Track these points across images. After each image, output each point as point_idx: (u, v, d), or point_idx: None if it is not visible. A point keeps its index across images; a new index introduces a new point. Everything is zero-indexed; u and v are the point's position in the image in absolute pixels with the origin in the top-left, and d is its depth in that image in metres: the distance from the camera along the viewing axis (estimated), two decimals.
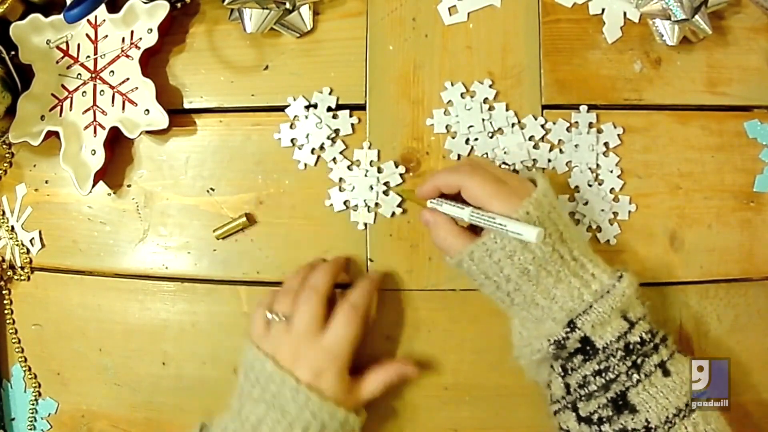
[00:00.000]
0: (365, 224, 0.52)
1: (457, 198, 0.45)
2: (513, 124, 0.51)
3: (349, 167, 0.52)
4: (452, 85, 0.52)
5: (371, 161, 0.52)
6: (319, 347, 0.45)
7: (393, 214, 0.52)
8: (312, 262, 0.51)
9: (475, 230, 0.45)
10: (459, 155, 0.52)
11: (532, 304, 0.43)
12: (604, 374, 0.40)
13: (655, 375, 0.40)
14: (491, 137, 0.52)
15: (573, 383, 0.42)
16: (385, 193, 0.52)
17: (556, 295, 0.42)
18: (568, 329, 0.41)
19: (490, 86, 0.52)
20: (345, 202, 0.52)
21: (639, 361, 0.40)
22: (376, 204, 0.52)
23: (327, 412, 0.44)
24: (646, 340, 0.41)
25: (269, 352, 0.46)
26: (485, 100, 0.52)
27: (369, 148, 0.52)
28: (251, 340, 0.47)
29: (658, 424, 0.39)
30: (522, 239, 0.40)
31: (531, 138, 0.51)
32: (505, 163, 0.51)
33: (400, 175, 0.52)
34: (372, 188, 0.52)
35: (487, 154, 0.52)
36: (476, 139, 0.52)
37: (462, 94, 0.52)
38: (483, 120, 0.52)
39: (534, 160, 0.51)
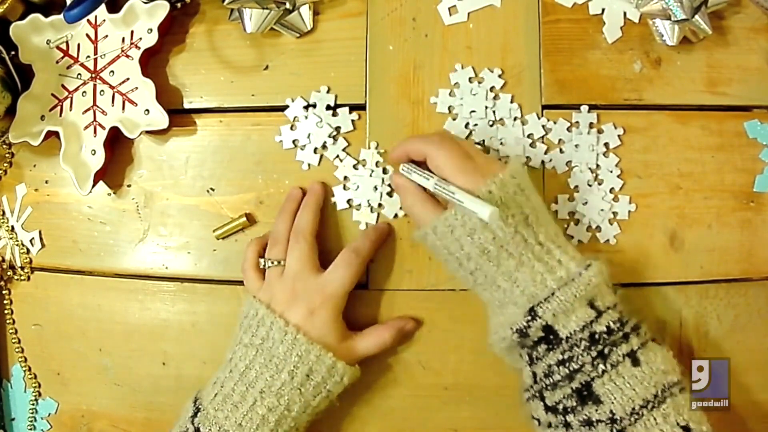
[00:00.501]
0: (366, 224, 0.52)
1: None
2: (515, 118, 0.51)
3: (354, 166, 0.52)
4: (462, 68, 0.52)
5: (377, 161, 0.52)
6: (313, 285, 0.46)
7: (395, 215, 0.52)
8: (290, 196, 0.52)
9: (443, 203, 0.45)
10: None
11: (494, 285, 0.42)
12: (567, 364, 0.40)
13: (622, 365, 0.39)
14: (491, 126, 0.52)
15: (539, 372, 0.41)
16: (389, 194, 0.52)
17: (518, 278, 0.41)
18: (529, 317, 0.40)
19: (500, 76, 0.52)
20: (348, 201, 0.52)
21: (606, 350, 0.39)
22: (380, 204, 0.52)
23: (314, 355, 0.44)
24: (613, 329, 0.40)
25: (265, 299, 0.47)
26: (492, 89, 0.52)
27: (376, 148, 0.52)
28: (248, 291, 0.49)
29: (623, 415, 0.38)
30: (478, 215, 0.39)
31: (530, 135, 0.51)
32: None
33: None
34: (376, 189, 0.52)
35: (483, 141, 0.52)
36: (476, 125, 0.52)
37: (470, 79, 0.52)
38: (486, 107, 0.52)
39: (528, 157, 0.51)
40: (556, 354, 0.40)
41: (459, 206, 0.41)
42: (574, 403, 0.40)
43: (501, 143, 0.51)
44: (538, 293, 0.40)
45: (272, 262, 0.48)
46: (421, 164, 0.46)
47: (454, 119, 0.52)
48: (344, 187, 0.52)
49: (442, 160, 0.43)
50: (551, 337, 0.40)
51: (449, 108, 0.52)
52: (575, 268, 0.41)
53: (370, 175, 0.52)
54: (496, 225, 0.40)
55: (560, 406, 0.40)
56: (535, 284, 0.41)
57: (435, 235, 0.43)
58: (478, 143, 0.52)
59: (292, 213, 0.50)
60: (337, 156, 0.53)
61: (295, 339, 0.44)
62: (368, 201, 0.52)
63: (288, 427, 0.44)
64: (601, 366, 0.39)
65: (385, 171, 0.52)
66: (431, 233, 0.43)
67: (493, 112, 0.52)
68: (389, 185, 0.52)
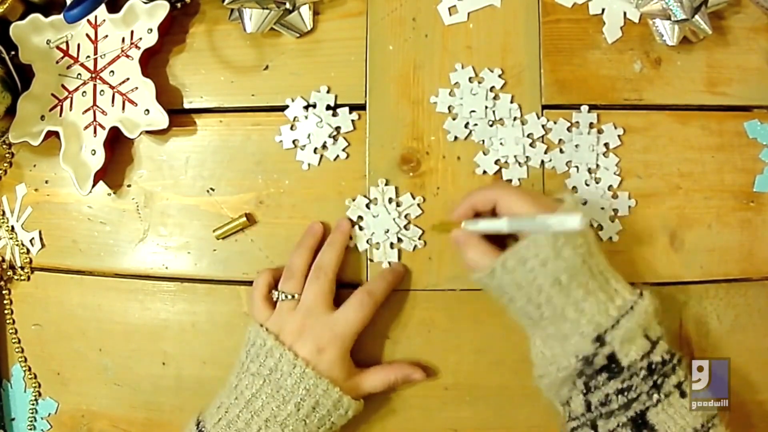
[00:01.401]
0: (389, 262, 0.51)
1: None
2: (515, 118, 0.52)
3: (367, 205, 0.52)
4: (462, 67, 0.52)
5: (389, 198, 0.52)
6: (325, 324, 0.46)
7: (415, 247, 0.51)
8: (311, 230, 0.51)
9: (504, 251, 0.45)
10: (456, 137, 0.52)
11: (562, 317, 0.42)
12: (626, 393, 0.41)
13: (673, 395, 0.41)
14: (491, 126, 0.52)
15: (594, 401, 0.42)
16: (406, 227, 0.51)
17: (585, 308, 0.41)
18: (598, 344, 0.41)
19: (500, 76, 0.52)
20: (368, 241, 0.52)
21: (659, 381, 0.41)
22: (399, 239, 0.51)
23: (322, 389, 0.44)
24: (666, 360, 0.41)
25: (274, 330, 0.47)
26: (492, 89, 0.52)
27: (386, 184, 0.52)
28: (254, 320, 0.48)
29: None
30: (567, 228, 0.39)
31: (530, 135, 0.51)
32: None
33: (419, 205, 0.52)
34: (394, 222, 0.51)
35: (483, 141, 0.52)
36: (476, 125, 0.52)
37: (470, 78, 0.52)
38: (486, 107, 0.52)
39: (528, 157, 0.51)
40: (616, 383, 0.41)
41: (534, 239, 0.41)
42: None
43: (501, 143, 0.51)
44: (603, 322, 0.41)
45: (286, 296, 0.48)
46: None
47: (454, 119, 0.52)
48: (359, 228, 0.52)
49: (514, 200, 0.44)
50: (613, 365, 0.41)
51: (449, 108, 0.52)
52: (630, 297, 0.42)
53: (388, 213, 0.51)
54: (567, 254, 0.41)
55: None
56: (600, 313, 0.41)
57: (504, 270, 0.43)
58: (478, 143, 0.52)
59: (311, 248, 0.50)
60: (338, 156, 0.53)
61: (304, 372, 0.45)
62: (387, 237, 0.51)
63: None
64: (656, 395, 0.40)
65: (398, 205, 0.51)
66: (499, 269, 0.43)
67: (493, 112, 0.52)
68: (405, 217, 0.51)
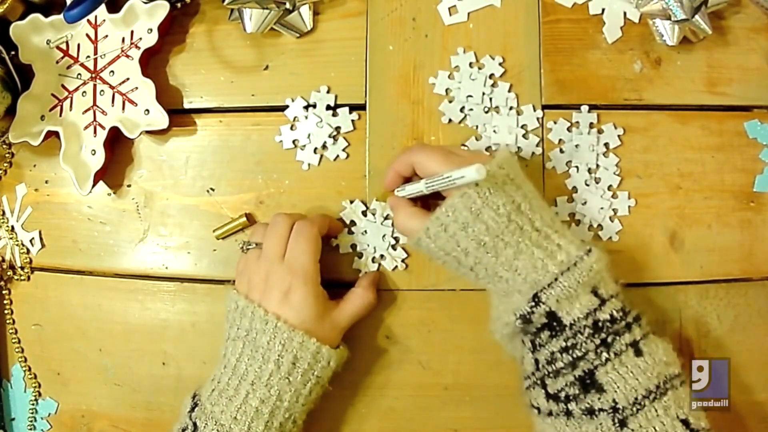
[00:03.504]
0: (365, 273, 0.51)
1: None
2: (511, 107, 0.52)
3: (363, 213, 0.52)
4: (464, 52, 0.52)
5: (362, 212, 0.52)
6: (283, 267, 0.46)
7: (395, 268, 0.51)
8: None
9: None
10: (450, 119, 0.52)
11: (495, 276, 0.42)
12: (571, 351, 0.39)
13: (626, 354, 0.39)
14: (486, 112, 0.52)
15: (541, 359, 0.41)
16: (393, 247, 0.51)
17: (518, 266, 0.41)
18: (533, 303, 0.40)
19: (500, 64, 0.52)
20: (352, 246, 0.52)
21: (609, 339, 0.39)
22: (382, 256, 0.51)
23: (297, 342, 0.44)
24: (617, 318, 0.40)
25: (242, 289, 0.47)
26: (491, 76, 0.52)
27: (350, 203, 0.52)
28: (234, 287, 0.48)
29: (626, 405, 0.38)
30: (468, 181, 0.39)
31: (524, 126, 0.51)
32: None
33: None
34: (381, 241, 0.51)
35: (477, 127, 0.52)
36: (471, 110, 0.52)
37: (471, 63, 0.52)
38: (483, 93, 0.52)
39: (519, 147, 0.51)
40: (559, 341, 0.40)
41: (451, 203, 0.41)
42: (577, 391, 0.40)
43: (494, 131, 0.51)
44: (541, 279, 0.40)
45: (251, 245, 0.48)
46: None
47: (450, 101, 0.52)
48: (348, 232, 0.52)
49: (427, 160, 0.44)
50: (554, 323, 0.40)
51: (446, 90, 0.52)
52: (575, 252, 0.41)
53: (381, 224, 0.51)
54: (487, 215, 0.40)
55: (562, 394, 0.40)
56: (536, 270, 0.40)
57: (429, 239, 0.43)
58: (472, 128, 0.52)
59: (293, 217, 0.49)
60: (338, 156, 0.53)
61: (276, 327, 0.44)
62: (374, 249, 0.51)
63: (283, 418, 0.44)
64: (605, 354, 0.39)
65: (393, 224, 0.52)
66: (424, 237, 0.43)
67: (490, 99, 0.52)
68: (394, 237, 0.51)
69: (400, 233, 0.47)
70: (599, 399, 0.39)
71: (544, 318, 0.40)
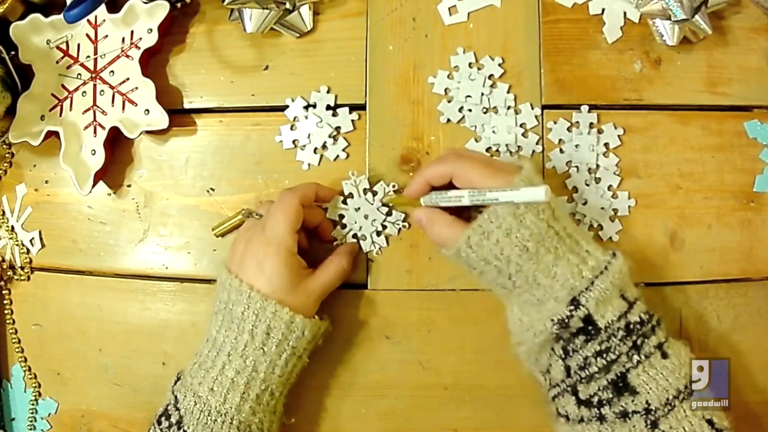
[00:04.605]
0: (380, 249, 0.52)
1: (447, 190, 0.45)
2: (509, 107, 0.52)
3: (344, 201, 0.51)
4: (464, 52, 0.52)
5: (364, 189, 0.51)
6: (258, 237, 0.46)
7: (400, 230, 0.51)
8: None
9: (469, 220, 0.44)
10: (448, 119, 0.52)
11: (534, 284, 0.42)
12: (605, 355, 0.40)
13: (654, 356, 0.40)
14: (485, 113, 0.52)
15: (574, 365, 0.41)
16: (389, 213, 0.51)
17: (557, 273, 0.41)
18: (572, 307, 0.40)
19: (500, 65, 0.52)
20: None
21: (639, 341, 0.40)
22: (363, 236, 0.51)
23: (270, 311, 0.43)
24: (644, 320, 0.40)
25: (229, 260, 0.47)
26: (490, 76, 0.52)
27: (356, 176, 0.52)
28: None
29: (658, 405, 0.39)
30: (532, 200, 0.39)
31: (522, 125, 0.51)
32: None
33: (394, 191, 0.51)
34: (377, 212, 0.51)
35: (475, 127, 0.52)
36: (470, 110, 0.52)
37: (470, 64, 0.52)
38: (482, 94, 0.52)
39: (519, 146, 0.51)
40: (594, 345, 0.40)
41: (495, 210, 0.41)
42: (610, 395, 0.40)
43: (493, 131, 0.51)
44: (577, 284, 0.40)
45: (255, 215, 0.48)
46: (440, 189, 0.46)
47: (449, 101, 0.52)
48: (342, 226, 0.52)
49: (470, 172, 0.43)
50: (590, 327, 0.40)
51: (446, 90, 0.52)
52: (602, 257, 0.41)
53: (369, 203, 0.51)
54: (530, 221, 0.40)
55: (595, 399, 0.40)
56: (573, 276, 0.41)
57: (470, 248, 0.42)
58: (471, 129, 0.52)
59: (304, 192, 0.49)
60: (338, 156, 0.53)
61: (250, 297, 0.43)
62: (373, 226, 0.51)
63: (259, 390, 0.44)
64: (636, 357, 0.40)
65: (375, 194, 0.51)
66: (464, 246, 0.42)
67: (488, 99, 0.52)
68: (385, 205, 0.51)
69: (436, 243, 0.45)
70: (633, 401, 0.39)
71: (581, 322, 0.40)
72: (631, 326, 0.40)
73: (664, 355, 0.40)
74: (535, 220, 0.41)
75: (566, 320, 0.40)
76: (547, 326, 0.41)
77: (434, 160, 0.47)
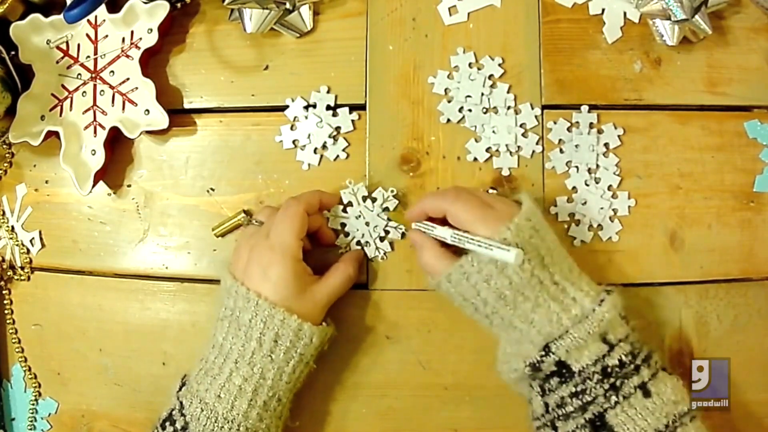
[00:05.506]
0: (385, 254, 0.52)
1: (444, 223, 0.45)
2: (509, 107, 0.52)
3: (344, 210, 0.51)
4: (464, 52, 0.52)
5: (363, 196, 0.51)
6: (263, 244, 0.46)
7: (403, 234, 0.51)
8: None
9: (460, 255, 0.44)
10: (448, 119, 0.52)
11: (510, 327, 0.43)
12: (580, 396, 0.40)
13: (634, 396, 0.40)
14: (485, 113, 0.52)
15: (551, 402, 0.42)
16: (381, 239, 0.51)
17: (534, 319, 0.41)
18: (543, 353, 0.40)
19: (500, 65, 0.52)
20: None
21: (618, 383, 0.40)
22: (367, 242, 0.52)
23: (279, 319, 0.43)
24: (625, 362, 0.40)
25: (232, 266, 0.47)
26: (490, 76, 0.52)
27: (354, 184, 0.52)
28: None
29: None
30: (502, 261, 0.40)
31: (522, 125, 0.51)
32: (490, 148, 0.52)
33: (394, 196, 0.51)
34: (378, 219, 0.51)
35: (475, 127, 0.52)
36: (470, 110, 0.52)
37: (470, 64, 0.52)
38: (482, 94, 0.52)
39: (519, 146, 0.51)
40: (569, 387, 0.41)
41: (477, 254, 0.41)
42: None
43: (493, 131, 0.51)
44: (554, 332, 0.41)
45: (255, 222, 0.49)
46: (433, 219, 0.46)
47: (449, 101, 0.52)
48: (345, 234, 0.52)
49: (461, 213, 0.43)
50: (564, 371, 0.41)
51: (446, 90, 0.52)
52: (589, 305, 0.41)
53: (369, 210, 0.51)
54: (512, 270, 0.41)
55: None
56: (551, 323, 0.41)
57: (450, 283, 0.43)
58: (471, 129, 0.52)
59: (308, 200, 0.49)
60: (338, 156, 0.53)
61: (258, 305, 0.44)
62: (375, 232, 0.51)
63: (267, 396, 0.44)
64: (614, 398, 0.40)
65: (373, 200, 0.51)
66: (444, 281, 0.44)
67: (488, 99, 0.52)
68: (384, 210, 0.51)
69: (423, 270, 0.47)
70: None
71: (554, 366, 0.41)
72: (609, 369, 0.40)
73: (647, 394, 0.40)
74: (517, 270, 0.41)
75: (537, 364, 0.41)
76: (520, 366, 0.42)
77: (436, 193, 0.48)
